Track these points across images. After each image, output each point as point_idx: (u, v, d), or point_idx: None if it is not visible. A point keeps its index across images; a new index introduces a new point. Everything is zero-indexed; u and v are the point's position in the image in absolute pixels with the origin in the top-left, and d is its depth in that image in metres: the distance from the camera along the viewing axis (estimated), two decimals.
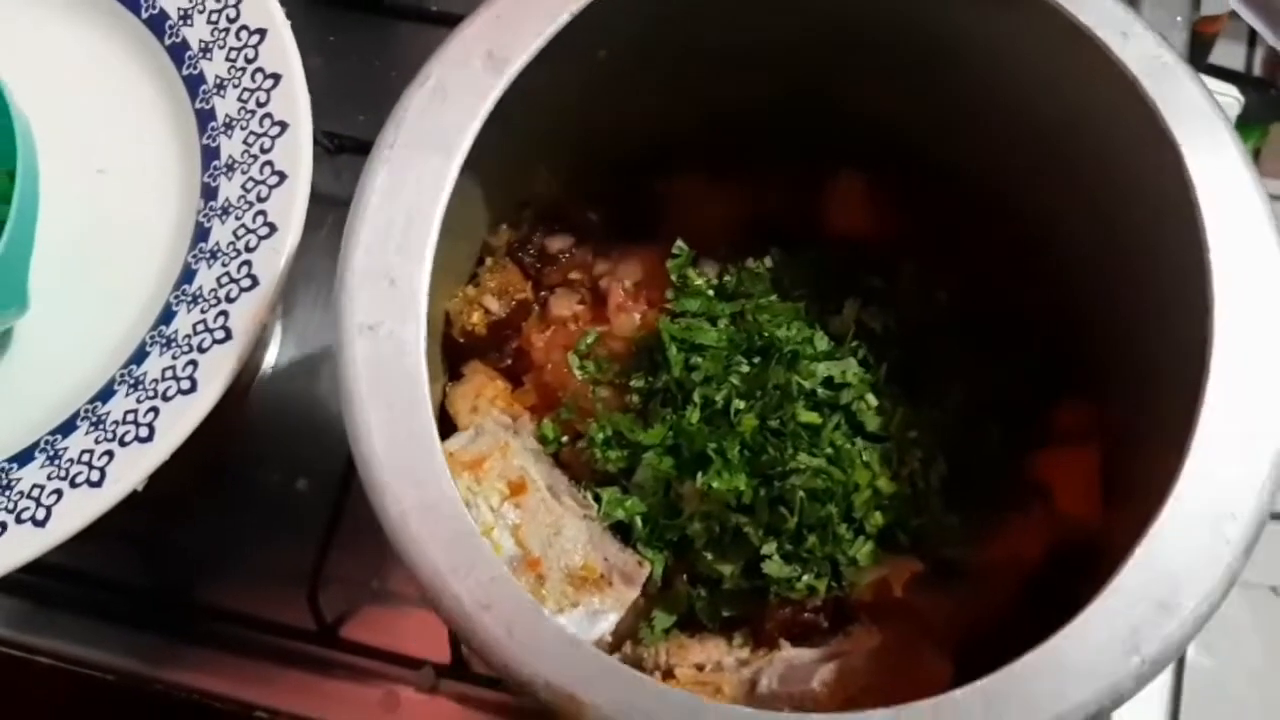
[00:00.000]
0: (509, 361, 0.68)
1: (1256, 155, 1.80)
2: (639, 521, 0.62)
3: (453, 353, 0.67)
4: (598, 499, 0.62)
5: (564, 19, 0.53)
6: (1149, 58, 0.50)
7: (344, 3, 0.90)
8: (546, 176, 0.68)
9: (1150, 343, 0.55)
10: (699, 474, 0.60)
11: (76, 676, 0.75)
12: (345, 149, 0.82)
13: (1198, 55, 1.33)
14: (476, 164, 0.57)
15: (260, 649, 0.74)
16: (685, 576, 0.62)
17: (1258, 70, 0.86)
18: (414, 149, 0.51)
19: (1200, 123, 0.49)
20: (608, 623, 0.59)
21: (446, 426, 0.65)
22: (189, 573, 0.76)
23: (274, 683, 0.74)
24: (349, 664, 0.74)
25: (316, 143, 0.74)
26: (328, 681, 0.74)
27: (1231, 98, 0.82)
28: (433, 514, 0.46)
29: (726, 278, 0.66)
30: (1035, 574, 0.61)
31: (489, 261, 0.68)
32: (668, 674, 0.60)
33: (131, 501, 0.59)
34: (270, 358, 0.79)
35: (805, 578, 0.60)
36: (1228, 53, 0.88)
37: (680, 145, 0.68)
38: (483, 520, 0.58)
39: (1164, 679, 1.59)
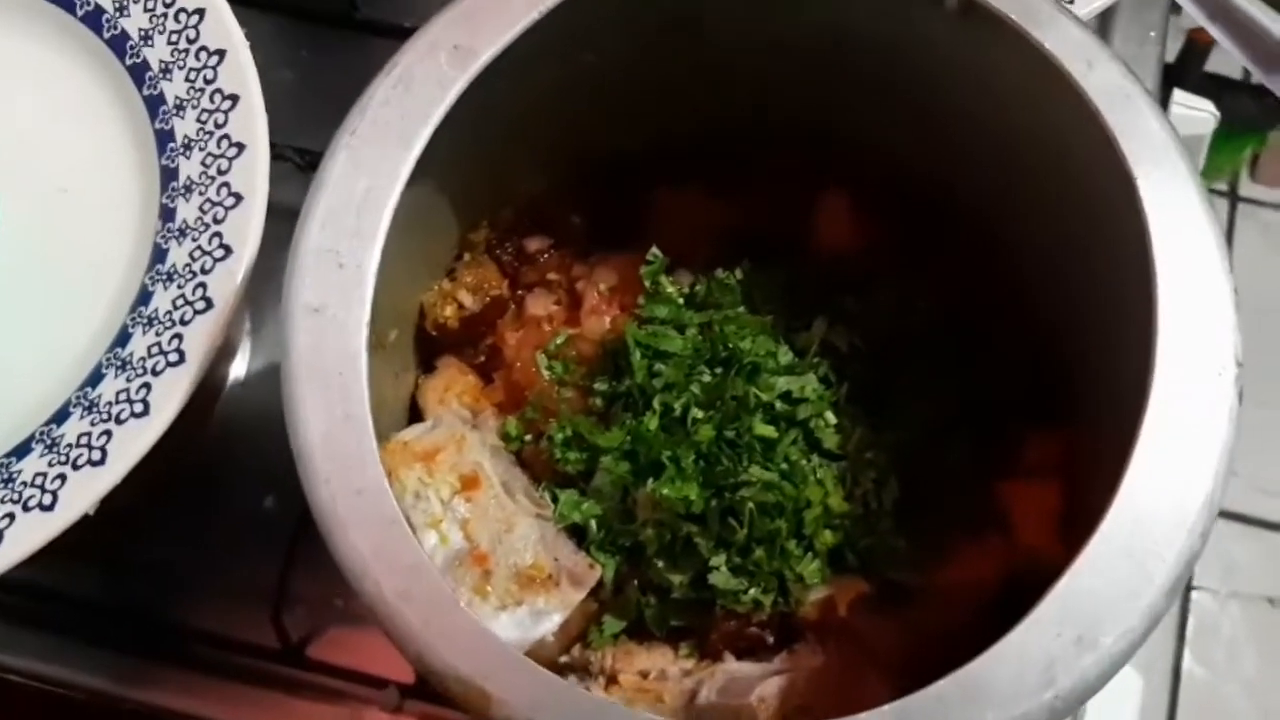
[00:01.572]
0: (483, 358, 0.69)
1: (1255, 162, 1.78)
2: (594, 525, 0.62)
3: (427, 346, 0.67)
4: (556, 500, 0.62)
5: (533, 17, 0.54)
6: (1112, 87, 0.50)
7: (317, 18, 0.90)
8: (529, 177, 0.69)
9: (1109, 375, 0.55)
10: (651, 480, 0.60)
11: (45, 695, 0.75)
12: (316, 165, 0.81)
13: (1193, 63, 1.31)
14: (449, 157, 0.57)
15: (227, 668, 0.75)
16: (637, 583, 0.62)
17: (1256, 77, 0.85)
18: (374, 137, 0.52)
19: (1158, 154, 0.49)
20: (551, 623, 0.59)
21: (417, 419, 0.66)
22: (155, 591, 0.77)
23: (240, 702, 0.74)
24: (314, 683, 0.74)
25: (287, 159, 0.75)
26: (293, 701, 0.74)
27: (1207, 113, 0.81)
28: (361, 500, 0.47)
29: (698, 287, 0.66)
30: (989, 602, 0.61)
31: (467, 257, 0.68)
32: (612, 679, 0.60)
33: (95, 519, 0.60)
34: (239, 371, 0.79)
35: (752, 591, 0.60)
36: (1226, 60, 0.87)
37: (665, 155, 0.68)
38: (431, 512, 0.58)
39: (1160, 690, 1.58)
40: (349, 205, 0.51)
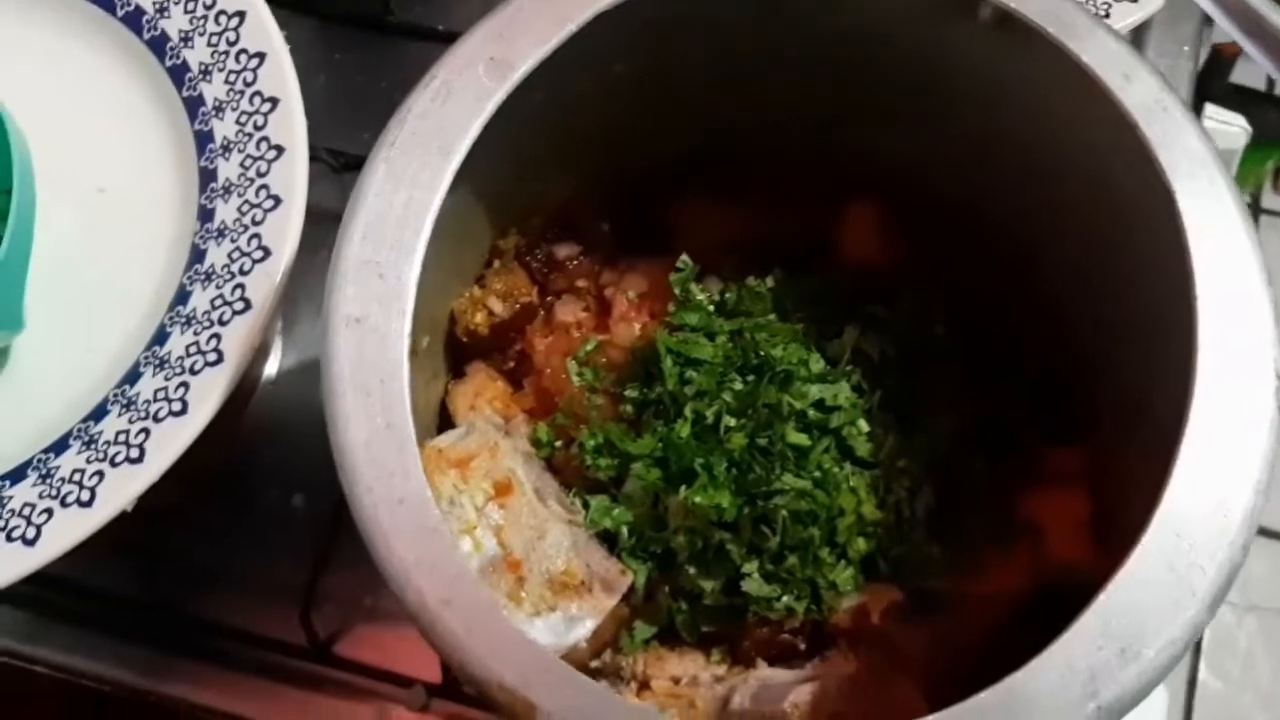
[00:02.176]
0: (512, 364, 0.69)
1: (1277, 175, 1.78)
2: (625, 531, 0.62)
3: (457, 352, 0.68)
4: (587, 506, 0.63)
5: (570, 29, 0.54)
6: (1150, 101, 0.50)
7: (351, 21, 0.91)
8: (560, 185, 0.69)
9: (1142, 387, 0.55)
10: (683, 488, 0.60)
11: (73, 687, 0.76)
12: (350, 167, 0.82)
13: (1218, 75, 1.31)
14: (485, 168, 0.58)
15: (254, 664, 0.75)
16: (668, 589, 0.62)
17: None
18: (414, 148, 0.52)
19: (1196, 167, 0.49)
20: (584, 629, 0.59)
21: (446, 425, 0.66)
22: (185, 587, 0.77)
23: (267, 698, 0.75)
24: (341, 681, 0.75)
25: (321, 160, 0.75)
26: (320, 698, 0.75)
27: (1239, 128, 0.81)
28: (403, 507, 0.47)
29: (728, 295, 0.67)
30: (1022, 611, 0.61)
31: (496, 264, 0.68)
32: (644, 685, 0.61)
33: (127, 516, 0.60)
34: (271, 371, 0.80)
35: (784, 598, 0.60)
36: (1251, 72, 0.87)
37: (694, 164, 0.69)
38: (466, 519, 0.58)
39: (1176, 701, 1.58)
40: (388, 217, 0.51)
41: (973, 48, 0.57)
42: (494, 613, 0.45)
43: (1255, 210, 1.87)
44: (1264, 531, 1.69)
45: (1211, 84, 1.46)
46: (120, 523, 0.61)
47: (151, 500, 0.61)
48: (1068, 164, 0.58)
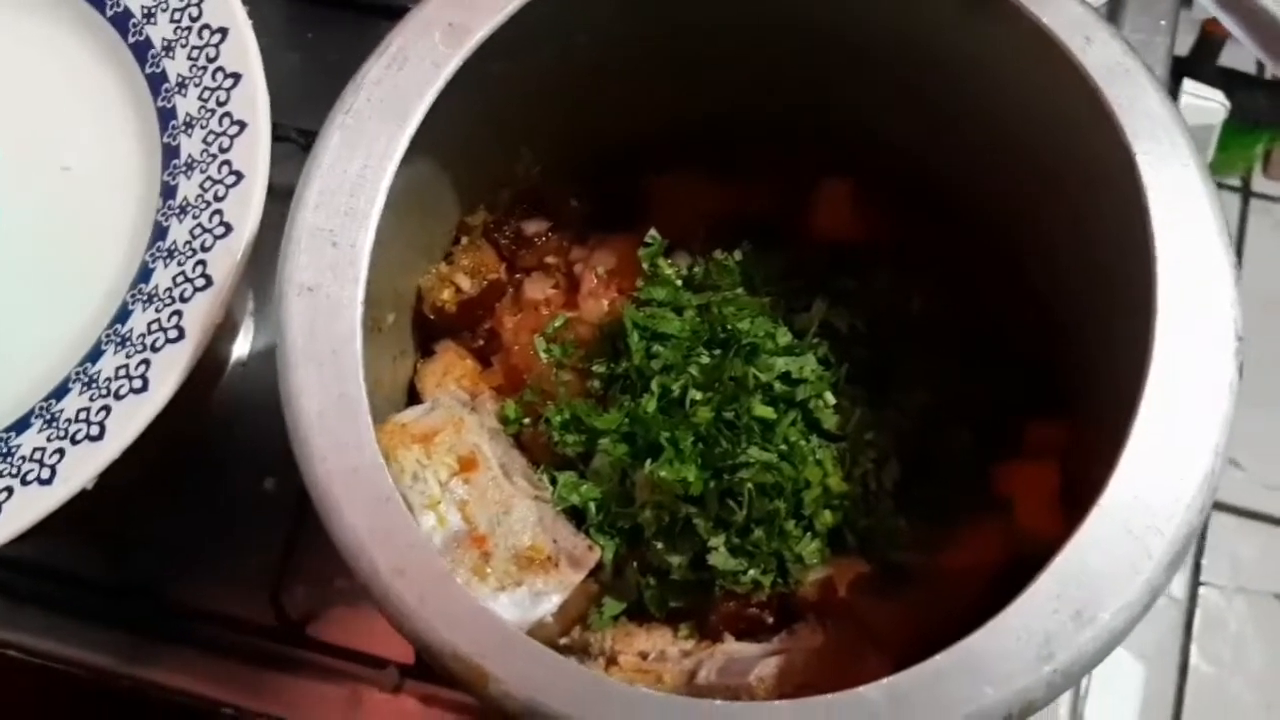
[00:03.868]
0: (481, 342, 0.69)
1: (1267, 158, 1.77)
2: (592, 507, 0.62)
3: (425, 330, 0.67)
4: (555, 482, 0.62)
5: None
6: (1111, 63, 0.50)
7: (324, 0, 0.90)
8: (527, 160, 0.68)
9: (1110, 356, 0.54)
10: (649, 462, 0.60)
11: (46, 671, 0.76)
12: None
13: (1206, 57, 1.30)
14: (445, 139, 0.57)
15: (227, 647, 0.75)
16: (636, 565, 0.62)
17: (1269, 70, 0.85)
18: (369, 115, 0.52)
19: (1158, 129, 0.49)
20: (550, 604, 0.59)
21: (416, 402, 0.65)
22: (157, 570, 0.77)
23: (240, 681, 0.74)
24: (314, 663, 0.75)
25: (290, 140, 0.75)
26: (293, 680, 0.75)
27: (1217, 103, 0.80)
28: (356, 478, 0.46)
29: (696, 269, 0.66)
30: (991, 583, 0.60)
31: (464, 241, 0.68)
32: (612, 661, 0.60)
33: (100, 497, 0.60)
34: (242, 351, 0.79)
35: (751, 572, 0.59)
36: (1240, 55, 0.86)
37: (664, 138, 0.68)
38: (430, 494, 0.58)
39: (1167, 685, 1.58)
40: (343, 184, 0.51)
41: (940, 18, 0.57)
42: (448, 582, 0.45)
43: (1245, 194, 1.86)
44: (1253, 514, 1.68)
45: (1199, 66, 1.45)
46: (93, 505, 0.60)
47: (121, 480, 0.61)
48: (1037, 134, 0.57)
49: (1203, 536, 1.68)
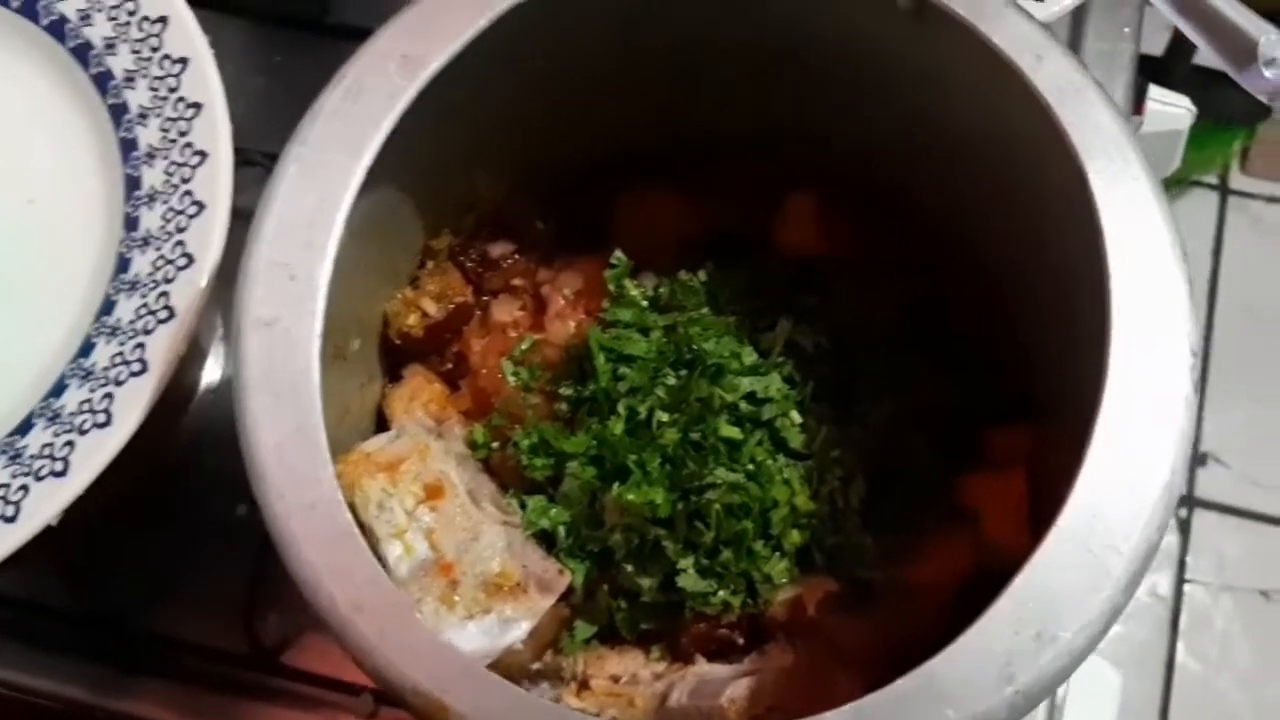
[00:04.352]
0: (449, 365, 0.69)
1: (1244, 155, 1.78)
2: (562, 531, 0.62)
3: (393, 355, 0.67)
4: (525, 506, 0.62)
5: (481, 24, 0.53)
6: (1062, 81, 0.50)
7: (288, 23, 0.90)
8: (489, 183, 0.68)
9: (1071, 370, 0.55)
10: (617, 485, 0.59)
11: (19, 704, 0.75)
12: None
13: (1180, 57, 1.30)
14: (406, 166, 0.57)
15: (200, 676, 0.75)
16: (607, 588, 0.62)
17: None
18: (325, 147, 0.52)
19: (1110, 147, 0.49)
20: (520, 630, 0.59)
21: (384, 429, 0.65)
22: (128, 600, 0.76)
23: (214, 709, 0.74)
24: (289, 690, 0.74)
25: (257, 164, 0.74)
26: (267, 708, 0.74)
27: (1184, 109, 0.81)
28: (314, 513, 0.46)
29: (661, 290, 0.66)
30: (960, 597, 0.60)
31: (430, 265, 0.68)
32: (584, 685, 0.60)
33: (70, 529, 0.60)
34: (212, 377, 0.79)
35: (720, 593, 0.59)
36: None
37: (628, 158, 0.68)
38: (396, 523, 0.58)
39: (1154, 683, 1.58)
40: (300, 217, 0.50)
41: (895, 35, 0.57)
42: (407, 617, 0.45)
43: (1223, 191, 1.87)
44: (1239, 512, 1.69)
45: (1174, 65, 1.46)
46: (60, 535, 0.60)
47: (89, 512, 0.61)
48: (993, 150, 0.58)
49: (1187, 534, 1.69)
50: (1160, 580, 1.65)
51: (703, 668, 0.60)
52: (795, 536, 0.60)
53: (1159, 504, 0.45)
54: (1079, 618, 0.44)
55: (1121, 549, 0.44)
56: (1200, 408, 1.62)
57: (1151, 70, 1.11)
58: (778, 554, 0.60)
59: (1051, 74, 0.50)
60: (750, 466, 0.60)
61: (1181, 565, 1.67)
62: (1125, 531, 0.45)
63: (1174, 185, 1.77)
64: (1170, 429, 0.46)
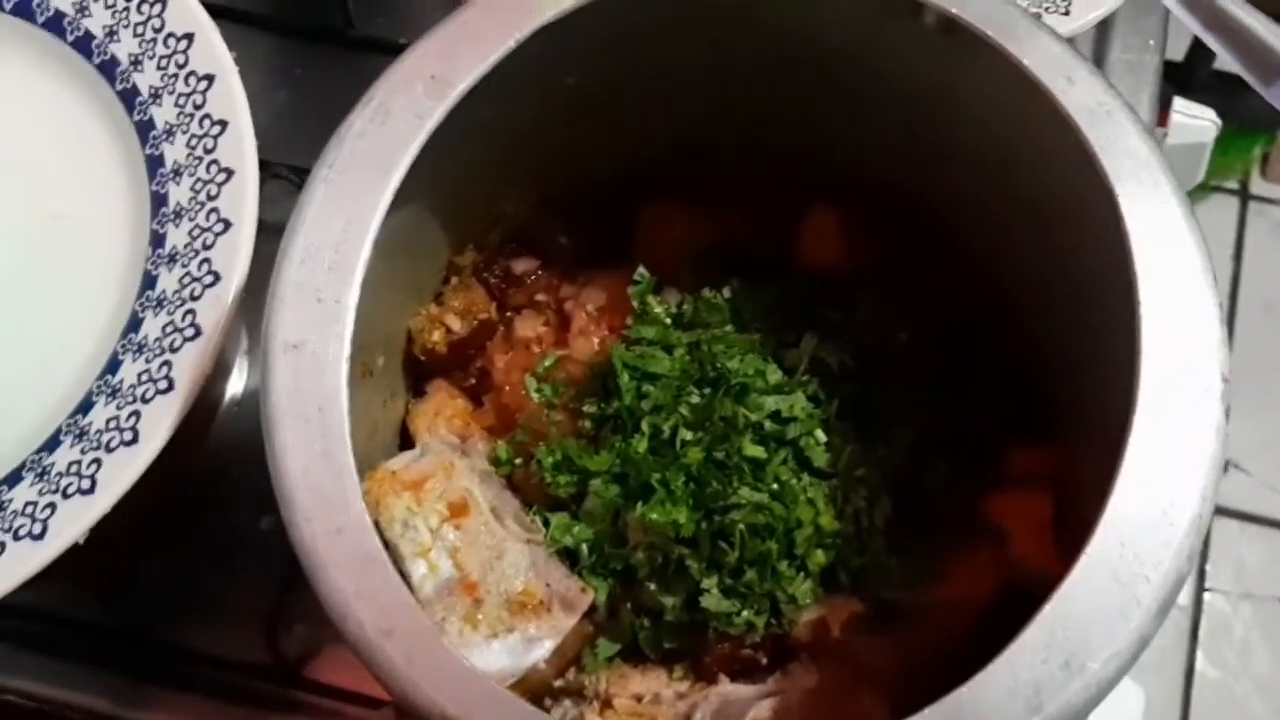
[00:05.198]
0: (473, 381, 0.69)
1: (1265, 160, 1.77)
2: (585, 549, 0.62)
3: (417, 370, 0.67)
4: (548, 523, 0.62)
5: (510, 45, 0.53)
6: (1093, 104, 0.50)
7: (312, 36, 0.90)
8: (514, 200, 0.68)
9: (1097, 391, 0.54)
10: (640, 504, 0.59)
11: (43, 715, 0.76)
12: None
13: (1201, 63, 1.30)
14: (432, 186, 0.57)
15: (223, 689, 0.75)
16: (630, 606, 0.62)
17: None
18: (352, 169, 0.52)
19: (1140, 170, 0.49)
20: (543, 649, 0.59)
21: (408, 444, 0.65)
22: (152, 612, 0.77)
23: None
24: (311, 704, 0.74)
25: (283, 178, 0.75)
26: None
27: (1208, 121, 0.80)
28: (342, 536, 0.46)
29: (685, 307, 0.66)
30: (986, 617, 0.60)
31: (454, 281, 0.68)
32: (606, 704, 0.60)
33: (94, 542, 0.60)
34: (236, 390, 0.79)
35: (744, 613, 0.59)
36: None
37: (651, 173, 0.68)
38: (421, 541, 0.58)
39: (1174, 691, 1.57)
40: (327, 240, 0.50)
41: (922, 53, 0.57)
42: (435, 642, 0.45)
43: (1243, 196, 1.87)
44: (1259, 519, 1.68)
45: (1195, 71, 1.45)
46: (86, 551, 0.60)
47: (115, 528, 0.61)
48: (1019, 168, 0.57)
49: (1207, 543, 1.68)
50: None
51: (726, 688, 0.59)
52: (820, 557, 0.60)
53: (1189, 532, 0.45)
54: (1108, 647, 0.44)
55: (1151, 577, 0.44)
56: None
57: (1173, 76, 1.10)
58: (802, 574, 0.59)
59: (1082, 96, 0.49)
60: (775, 486, 0.60)
61: (1201, 573, 1.67)
62: (1155, 560, 0.44)
63: (1195, 191, 1.76)
64: (1201, 456, 0.46)
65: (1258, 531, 1.68)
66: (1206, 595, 1.66)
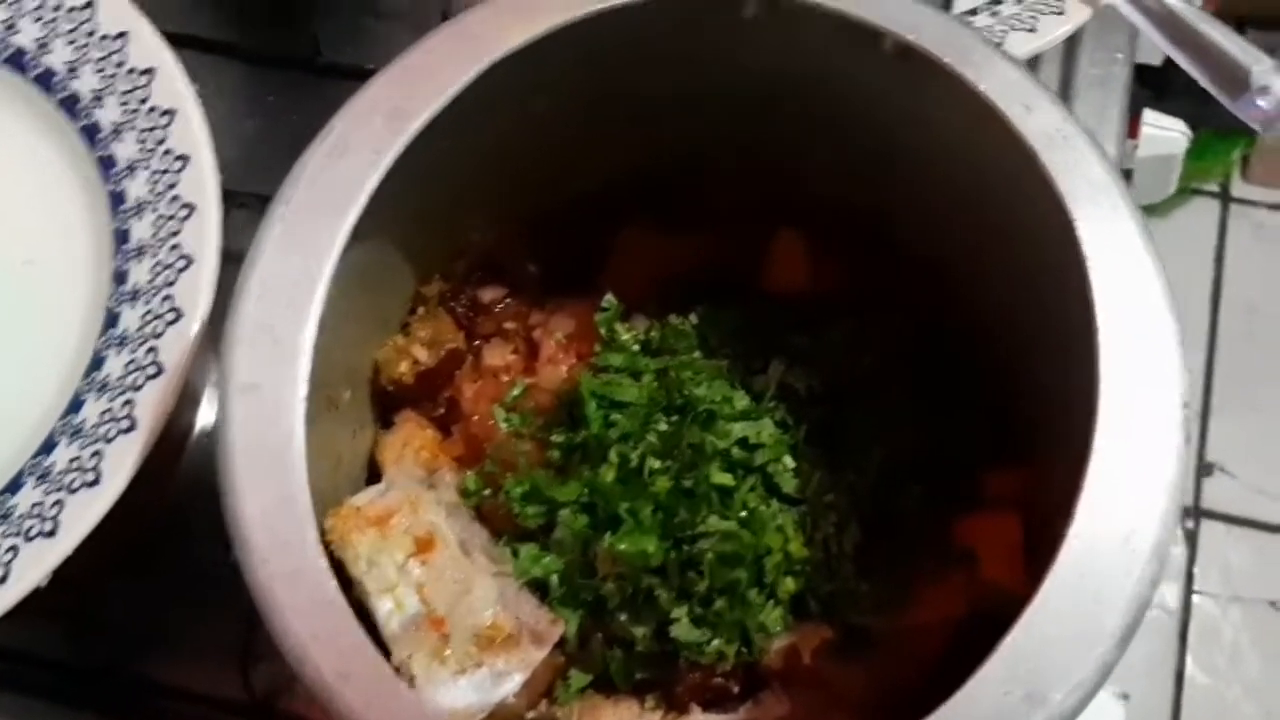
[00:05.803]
0: (442, 411, 0.68)
1: (1245, 163, 1.78)
2: (555, 579, 0.61)
3: (385, 401, 0.67)
4: (517, 554, 0.62)
5: (470, 76, 0.53)
6: (1051, 130, 0.49)
7: (281, 64, 0.90)
8: (480, 228, 0.68)
9: (1062, 416, 0.54)
10: (609, 534, 0.59)
11: None
12: None
13: (1176, 70, 1.30)
14: (394, 218, 0.57)
15: None
16: (601, 636, 0.61)
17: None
18: (309, 206, 0.52)
19: (1098, 194, 0.49)
20: (512, 683, 0.58)
21: (376, 476, 0.65)
22: (122, 649, 0.76)
23: None
24: None
25: (250, 207, 0.74)
26: None
27: (1178, 133, 0.81)
28: (298, 580, 0.46)
29: (653, 334, 0.66)
30: (958, 640, 0.60)
31: (421, 311, 0.68)
32: None
33: (58, 584, 0.60)
34: (207, 420, 0.78)
35: (715, 642, 0.59)
36: None
37: (619, 199, 0.68)
38: (386, 578, 0.57)
39: (1164, 696, 1.57)
40: (284, 279, 0.50)
41: (886, 81, 0.57)
42: (393, 686, 0.45)
43: (1224, 200, 1.87)
44: (1246, 522, 1.68)
45: (1171, 77, 1.45)
46: (53, 589, 0.60)
47: (79, 567, 0.60)
48: (984, 192, 0.57)
49: (1194, 546, 1.68)
50: (1168, 592, 1.64)
51: (698, 718, 0.59)
52: (789, 584, 0.59)
53: (1150, 558, 0.45)
54: (1071, 678, 0.43)
55: (1114, 605, 0.44)
56: (1205, 417, 1.61)
57: (1150, 82, 1.10)
58: (772, 602, 0.59)
59: (1040, 123, 0.49)
60: (743, 514, 0.60)
61: (1189, 577, 1.67)
62: (1118, 586, 0.44)
63: (1175, 194, 1.77)
64: (1161, 481, 0.46)
65: (1245, 534, 1.68)
66: (1195, 599, 1.66)
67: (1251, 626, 1.64)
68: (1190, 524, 1.65)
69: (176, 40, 0.71)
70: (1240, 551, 1.67)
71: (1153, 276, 0.48)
